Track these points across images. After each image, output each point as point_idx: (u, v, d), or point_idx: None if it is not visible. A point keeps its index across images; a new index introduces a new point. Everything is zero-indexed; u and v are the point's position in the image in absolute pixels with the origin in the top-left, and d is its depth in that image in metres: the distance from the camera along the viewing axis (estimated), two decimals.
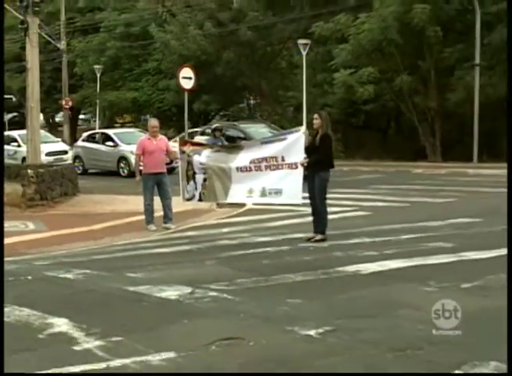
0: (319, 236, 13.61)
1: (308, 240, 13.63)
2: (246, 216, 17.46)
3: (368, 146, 38.98)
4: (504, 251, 11.38)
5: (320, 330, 7.92)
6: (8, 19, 36.98)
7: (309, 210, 14.06)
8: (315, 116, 14.12)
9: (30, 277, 11.36)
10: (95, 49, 50.40)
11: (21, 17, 23.50)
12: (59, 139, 39.29)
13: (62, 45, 47.73)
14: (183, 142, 15.81)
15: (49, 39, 45.99)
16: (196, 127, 39.62)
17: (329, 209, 14.03)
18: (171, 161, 16.56)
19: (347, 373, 5.34)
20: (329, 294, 9.58)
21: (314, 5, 40.67)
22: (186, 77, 26.55)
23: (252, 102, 51.85)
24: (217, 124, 31.62)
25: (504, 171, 28.03)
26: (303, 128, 14.44)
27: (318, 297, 9.46)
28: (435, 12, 33.23)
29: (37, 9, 23.33)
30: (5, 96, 55.66)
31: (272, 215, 16.96)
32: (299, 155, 13.81)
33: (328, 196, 14.01)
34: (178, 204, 16.39)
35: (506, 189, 21.82)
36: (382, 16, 34.55)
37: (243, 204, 17.75)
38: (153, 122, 16.82)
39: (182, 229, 16.16)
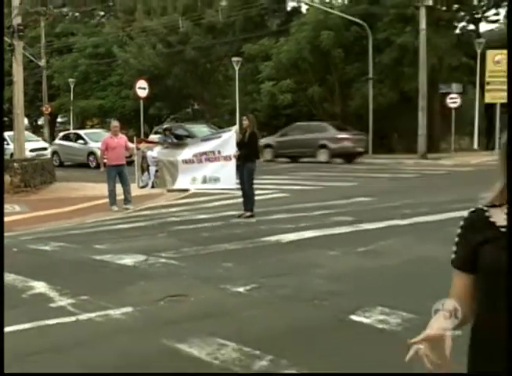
0: (248, 213, 13.63)
1: (239, 216, 13.63)
2: (190, 198, 17.39)
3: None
4: (392, 222, 11.53)
5: (247, 287, 7.94)
6: None
7: (240, 193, 14.08)
8: (244, 118, 14.16)
9: (15, 249, 11.18)
10: (69, 66, 50.12)
11: (9, 41, 23.22)
12: (40, 139, 38.74)
13: (42, 62, 47.14)
14: (138, 141, 15.73)
15: (32, 58, 45.31)
16: (152, 128, 39.42)
17: (256, 192, 14.06)
18: (131, 155, 16.36)
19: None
20: (255, 258, 9.63)
21: (244, 30, 40.78)
22: (141, 88, 26.38)
23: (196, 107, 51.78)
24: (167, 125, 31.43)
25: (391, 161, 28.57)
26: (234, 128, 14.49)
27: (246, 261, 9.49)
28: (338, 37, 33.80)
29: (21, 34, 23.20)
30: None
31: (211, 197, 16.92)
32: (232, 149, 13.84)
33: (255, 181, 14.03)
34: (135, 190, 16.26)
35: (393, 175, 22.32)
36: (297, 40, 34.94)
37: (188, 190, 17.67)
38: (114, 123, 16.67)
39: (139, 209, 16.03)
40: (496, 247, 2.22)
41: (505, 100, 29.55)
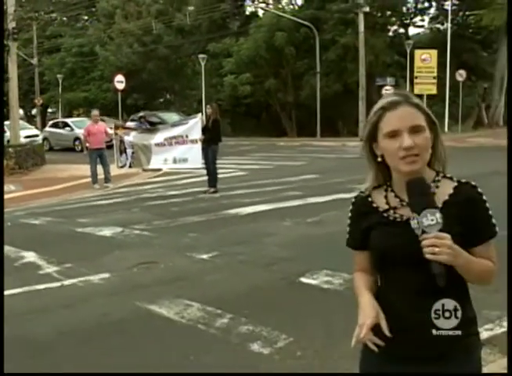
0: (212, 190, 13.48)
1: (205, 192, 13.48)
2: (163, 177, 17.17)
3: (247, 127, 38.88)
4: (338, 196, 11.47)
5: (210, 255, 7.84)
6: None
7: (205, 172, 13.91)
8: (208, 107, 13.99)
9: (9, 223, 10.92)
10: (57, 63, 49.23)
11: (5, 42, 23.21)
12: (33, 127, 37.96)
13: (34, 61, 46.66)
14: (116, 127, 15.43)
15: (26, 57, 44.70)
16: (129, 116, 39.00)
17: (219, 171, 13.90)
18: (110, 140, 16.06)
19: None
20: (217, 229, 9.50)
21: (209, 31, 40.33)
22: (119, 81, 25.99)
23: (168, 98, 51.30)
24: (141, 114, 31.31)
25: (336, 144, 28.57)
26: (199, 115, 14.26)
27: (209, 231, 9.36)
28: (290, 37, 33.47)
29: (15, 36, 23.40)
30: None
31: (180, 175, 16.72)
32: (198, 134, 13.64)
33: (218, 161, 13.87)
34: (114, 170, 15.97)
35: (338, 155, 22.32)
36: (255, 39, 34.51)
37: (161, 169, 17.43)
38: (95, 112, 16.37)
39: (118, 187, 15.78)
40: (382, 233, 2.11)
41: (431, 92, 30.05)
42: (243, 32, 37.47)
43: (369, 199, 2.17)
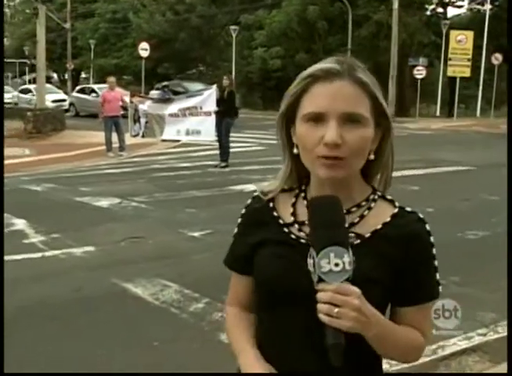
0: (223, 164, 13.10)
1: (216, 166, 13.11)
2: (179, 148, 16.78)
3: (277, 101, 38.41)
4: None
5: (202, 233, 7.49)
6: None
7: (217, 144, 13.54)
8: (225, 77, 13.51)
9: (11, 188, 10.70)
10: (90, 29, 49.46)
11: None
12: (61, 91, 37.97)
13: (67, 25, 46.56)
14: (132, 95, 15.11)
15: (58, 21, 44.64)
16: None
17: (236, 144, 13.52)
18: (125, 108, 15.71)
19: None
20: (217, 205, 9.10)
21: (242, 2, 39.86)
22: (143, 49, 25.79)
23: (200, 68, 50.97)
24: (165, 83, 31.20)
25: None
26: (214, 87, 13.82)
27: (208, 208, 9.00)
28: (323, 11, 32.80)
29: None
30: (20, 61, 54.25)
31: (197, 147, 16.30)
32: (212, 105, 13.25)
33: (238, 134, 13.48)
34: (132, 139, 15.65)
35: None
36: (287, 12, 33.93)
37: (179, 140, 17.05)
38: (111, 79, 15.93)
39: (131, 156, 15.46)
40: (273, 254, 1.46)
41: (464, 74, 29.19)
42: (277, 4, 36.85)
43: (271, 204, 1.52)
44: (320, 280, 1.26)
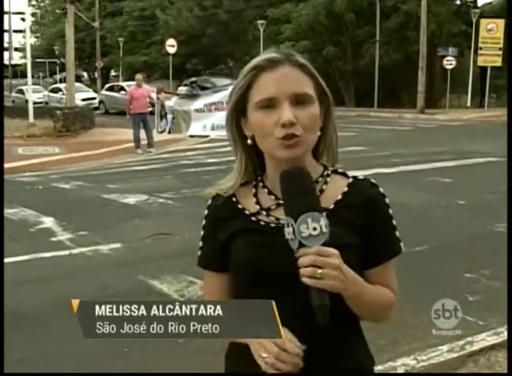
0: None
1: None
2: (207, 144, 16.82)
3: None
4: (378, 170, 10.89)
5: None
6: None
7: None
8: None
9: (40, 187, 10.82)
10: (119, 27, 49.71)
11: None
12: (91, 89, 38.33)
13: (96, 24, 47.05)
14: (158, 91, 15.13)
15: (87, 20, 45.11)
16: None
17: None
18: (153, 105, 15.76)
19: None
20: None
21: None
22: (170, 45, 25.85)
23: (230, 64, 51.04)
24: (193, 79, 31.21)
25: (393, 115, 27.69)
26: None
27: None
28: (351, 4, 32.57)
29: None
30: (50, 60, 54.76)
31: (224, 143, 16.19)
32: None
33: None
34: (159, 135, 15.69)
35: (391, 127, 21.53)
36: (314, 5, 33.71)
37: (208, 135, 17.03)
38: (138, 76, 16.08)
39: (160, 153, 15.56)
40: (247, 242, 1.53)
41: (495, 64, 28.73)
42: None
43: (233, 199, 1.60)
44: (300, 245, 1.35)
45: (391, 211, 1.57)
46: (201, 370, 3.92)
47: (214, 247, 1.60)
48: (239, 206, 1.58)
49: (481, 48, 29.16)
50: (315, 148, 1.58)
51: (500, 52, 28.70)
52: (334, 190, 1.56)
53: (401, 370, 4.01)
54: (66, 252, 6.72)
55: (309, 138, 1.50)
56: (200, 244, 1.66)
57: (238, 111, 1.56)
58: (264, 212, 1.56)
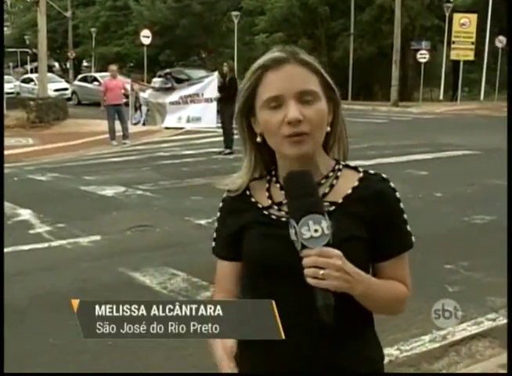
0: (227, 151, 13.03)
1: (219, 153, 13.07)
2: (182, 135, 16.72)
3: None
4: (356, 163, 10.94)
5: (209, 220, 7.42)
6: None
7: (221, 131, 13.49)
8: (224, 64, 13.40)
9: (16, 178, 10.70)
10: (91, 17, 49.07)
11: None
12: (63, 80, 37.83)
13: (68, 14, 46.45)
14: (133, 81, 15.09)
15: (59, 10, 44.50)
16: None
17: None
18: (127, 96, 15.63)
19: None
20: (222, 192, 9.02)
21: None
22: (145, 36, 25.65)
23: (203, 55, 50.77)
24: (167, 70, 31.00)
25: (367, 108, 27.83)
26: (215, 74, 13.78)
27: (214, 195, 8.84)
28: None
29: None
30: (22, 50, 54.00)
31: (201, 134, 16.20)
32: (213, 92, 13.21)
33: None
34: (136, 127, 15.60)
35: (366, 120, 21.64)
36: None
37: (183, 127, 16.96)
38: (112, 67, 15.90)
39: (135, 144, 15.42)
40: (258, 234, 1.57)
41: (468, 58, 29.02)
42: None
43: (247, 192, 1.64)
44: (303, 247, 1.39)
45: (401, 205, 1.59)
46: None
47: (227, 237, 1.65)
48: (253, 199, 1.63)
49: (453, 42, 29.45)
50: (326, 143, 1.61)
51: (473, 46, 29.01)
52: (345, 185, 1.58)
53: (384, 361, 4.06)
54: (45, 244, 6.67)
55: (317, 135, 1.52)
56: (214, 234, 1.71)
57: (246, 111, 1.60)
58: (275, 207, 1.59)
